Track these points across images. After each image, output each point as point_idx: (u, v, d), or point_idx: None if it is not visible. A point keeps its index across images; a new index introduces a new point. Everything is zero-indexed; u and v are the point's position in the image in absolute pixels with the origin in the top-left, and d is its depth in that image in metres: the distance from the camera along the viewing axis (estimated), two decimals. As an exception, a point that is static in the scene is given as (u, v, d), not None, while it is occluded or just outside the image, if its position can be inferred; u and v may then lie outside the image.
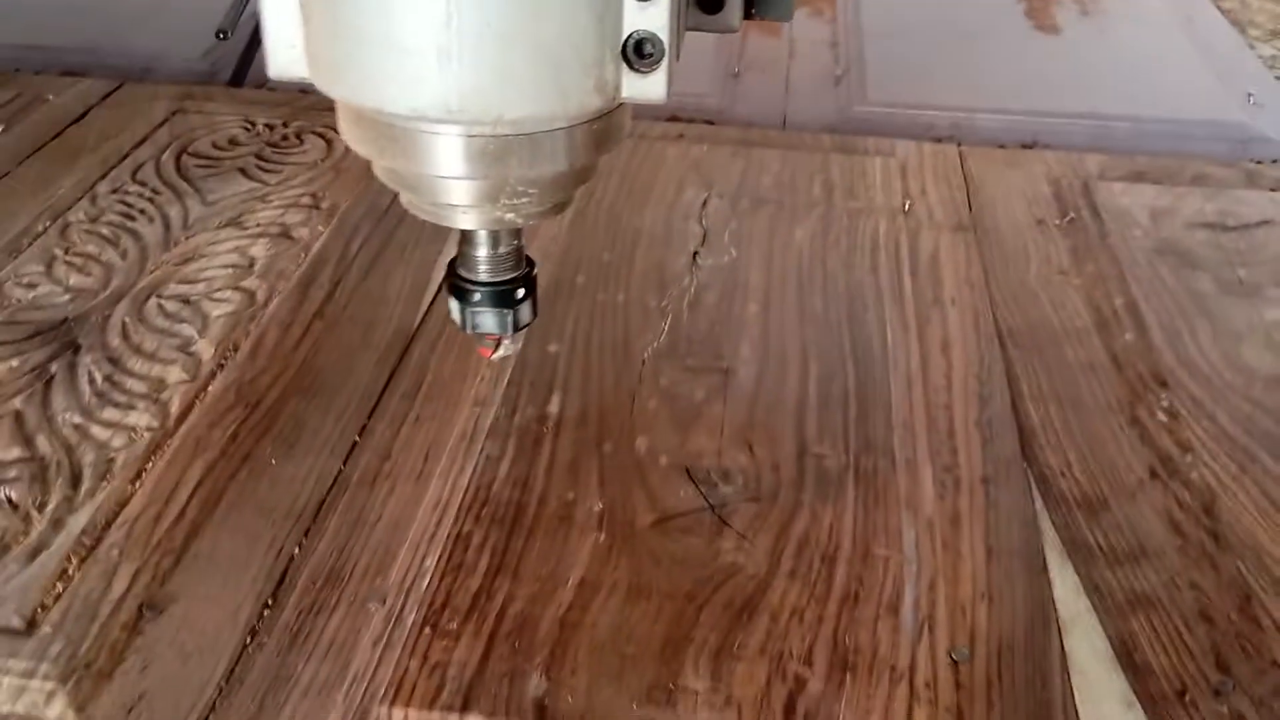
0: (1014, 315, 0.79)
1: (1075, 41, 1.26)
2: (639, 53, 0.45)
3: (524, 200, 0.49)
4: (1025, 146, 1.04)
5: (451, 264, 0.55)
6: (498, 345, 0.56)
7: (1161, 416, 0.70)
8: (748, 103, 1.12)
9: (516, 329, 0.56)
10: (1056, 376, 0.74)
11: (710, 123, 1.06)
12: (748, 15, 0.50)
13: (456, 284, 0.54)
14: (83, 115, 1.00)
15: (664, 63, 0.45)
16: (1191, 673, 0.55)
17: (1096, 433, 0.69)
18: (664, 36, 0.45)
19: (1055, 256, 0.86)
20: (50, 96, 1.03)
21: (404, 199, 0.51)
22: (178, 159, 0.93)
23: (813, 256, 0.84)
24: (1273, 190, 0.94)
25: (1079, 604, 0.58)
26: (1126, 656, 0.56)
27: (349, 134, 0.49)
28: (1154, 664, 0.55)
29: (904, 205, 0.91)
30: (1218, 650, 0.56)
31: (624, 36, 0.45)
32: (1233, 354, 0.75)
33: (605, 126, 0.48)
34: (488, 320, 0.55)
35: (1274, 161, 1.02)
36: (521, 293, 0.55)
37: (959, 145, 1.02)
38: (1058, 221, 0.90)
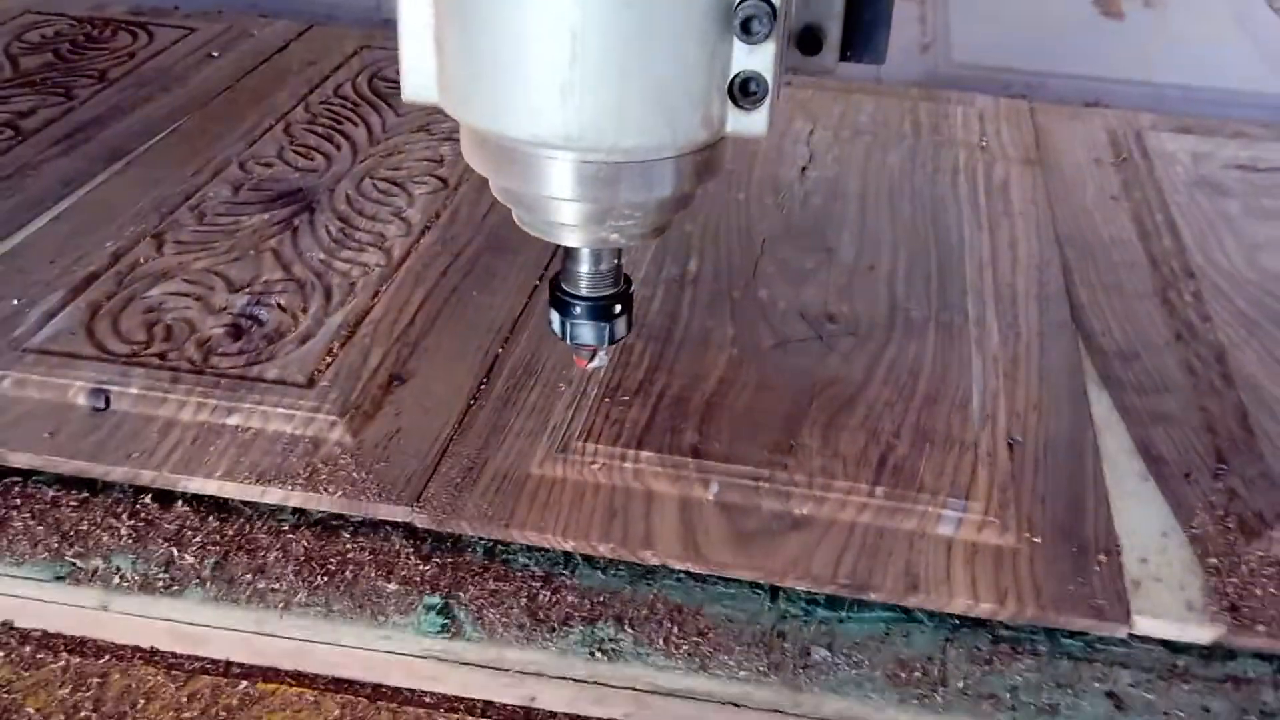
0: (1070, 226, 0.95)
1: (1137, 25, 1.41)
2: (745, 91, 0.49)
3: (629, 222, 0.53)
4: (1088, 105, 1.20)
5: (555, 279, 0.60)
6: (593, 355, 0.61)
7: (1188, 298, 0.86)
8: (844, 66, 1.28)
9: (612, 342, 0.60)
10: (1103, 269, 0.90)
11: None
12: (844, 58, 0.55)
13: (558, 297, 0.59)
14: (284, 47, 1.19)
15: (767, 100, 0.49)
16: (1196, 462, 0.71)
17: (1133, 308, 0.85)
18: (769, 77, 0.48)
19: (1108, 185, 1.02)
20: (254, 32, 1.23)
21: (517, 215, 0.56)
22: (370, 81, 1.12)
23: (902, 174, 1.01)
24: (1302, 144, 1.10)
25: (1110, 417, 0.74)
26: (1145, 450, 0.72)
27: (470, 154, 0.53)
28: (1166, 455, 0.71)
29: (980, 142, 1.08)
30: (1218, 449, 0.72)
31: (731, 76, 0.48)
32: (1252, 258, 0.91)
33: (708, 157, 0.52)
34: (586, 332, 0.59)
35: (1308, 126, 1.17)
36: (619, 308, 0.59)
37: (1030, 101, 1.18)
38: (1112, 160, 1.06)
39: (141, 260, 0.82)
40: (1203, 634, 0.60)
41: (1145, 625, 0.60)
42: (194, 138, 1.00)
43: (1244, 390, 0.76)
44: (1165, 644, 0.61)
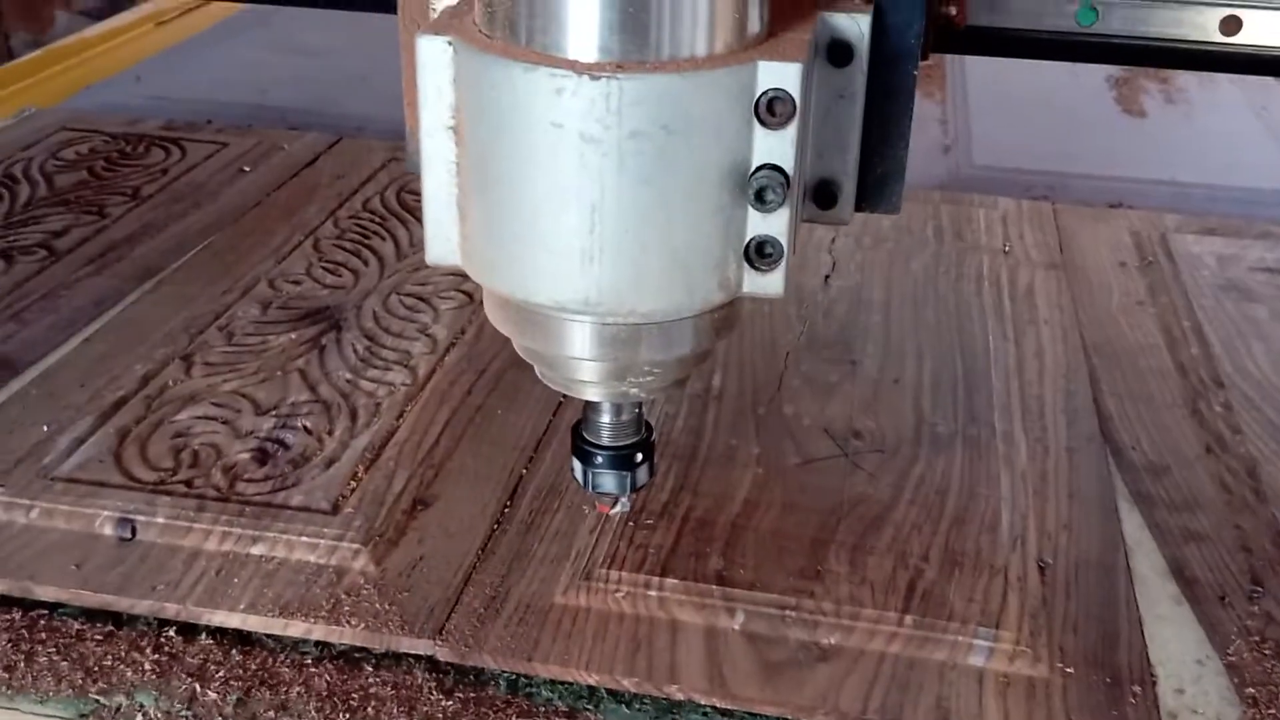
0: (1096, 333, 0.95)
1: (1159, 122, 1.42)
2: (760, 254, 0.50)
3: (649, 378, 0.55)
4: (1111, 206, 1.20)
5: (576, 426, 0.62)
6: (615, 502, 0.64)
7: (1218, 408, 0.85)
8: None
9: (634, 489, 0.62)
10: (1131, 378, 0.89)
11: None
12: (859, 209, 0.57)
13: (580, 446, 0.61)
14: (313, 160, 1.21)
15: (783, 262, 0.50)
16: (1230, 584, 0.70)
17: (1162, 419, 0.84)
18: (783, 240, 0.50)
19: (1134, 290, 1.02)
20: (284, 146, 1.25)
21: (539, 371, 0.58)
22: (398, 194, 1.13)
23: (926, 281, 1.01)
24: (1329, 244, 1.09)
25: (1142, 535, 0.73)
26: (1179, 572, 0.71)
27: (494, 315, 0.56)
28: (1200, 577, 0.70)
29: (1004, 247, 1.08)
30: (1253, 570, 0.70)
31: (746, 239, 0.50)
32: (1281, 365, 0.90)
33: (726, 315, 0.54)
34: (608, 481, 0.61)
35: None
36: (640, 456, 0.61)
37: (1053, 203, 1.18)
38: (1137, 264, 1.06)
39: (170, 383, 0.83)
40: (1243, 770, 0.58)
41: (1183, 762, 0.58)
42: (224, 254, 1.02)
43: (1276, 506, 0.75)
44: (1204, 780, 0.59)
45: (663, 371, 0.56)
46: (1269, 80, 1.54)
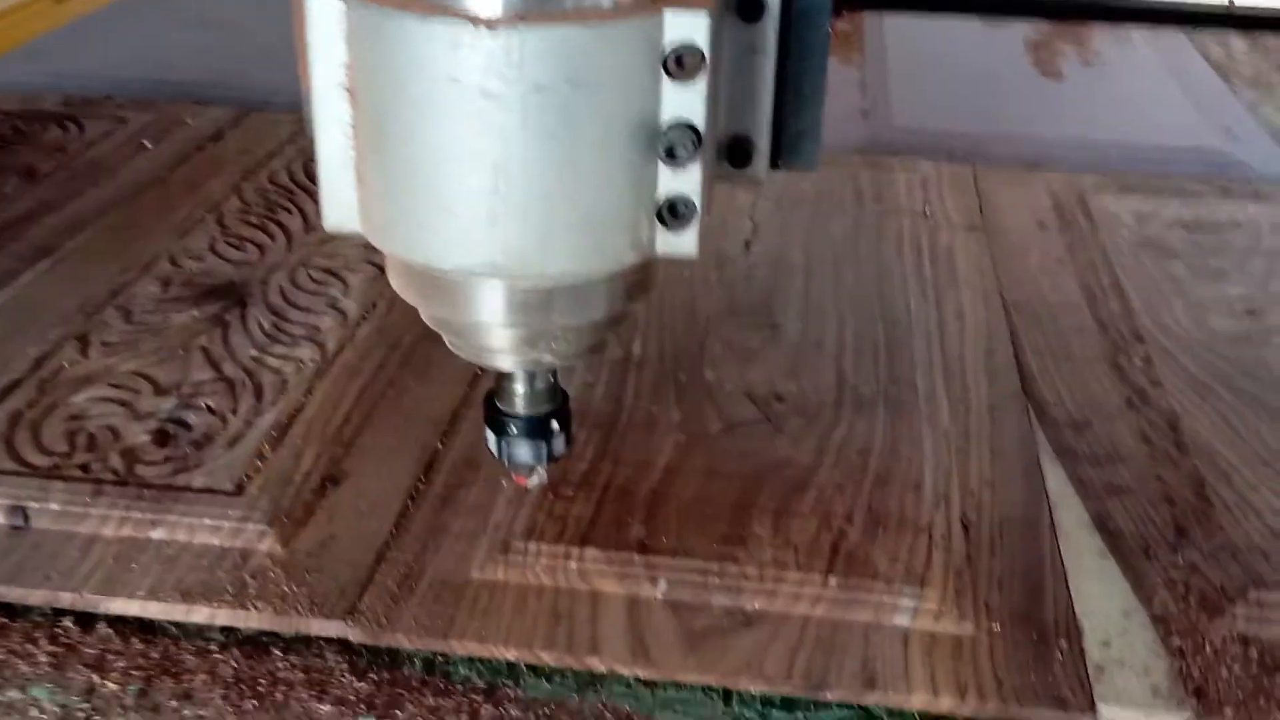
0: (1017, 293, 0.94)
1: (1076, 84, 1.42)
2: (673, 212, 0.49)
3: (562, 344, 0.53)
4: (1030, 168, 1.20)
5: (489, 397, 0.59)
6: (532, 473, 0.61)
7: (1138, 363, 0.85)
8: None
9: (551, 460, 0.60)
10: (1051, 336, 0.89)
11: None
12: (774, 166, 0.55)
13: (494, 417, 0.59)
14: (218, 135, 1.17)
15: (695, 221, 0.49)
16: (1154, 536, 0.69)
17: (1083, 375, 0.84)
18: (696, 199, 0.48)
19: (1053, 250, 1.01)
20: (188, 120, 1.20)
21: (449, 340, 0.56)
22: (305, 167, 1.10)
23: (846, 245, 1.00)
24: (1243, 200, 1.10)
25: (1065, 490, 0.73)
26: (1102, 525, 0.70)
27: (398, 283, 0.53)
28: (1124, 530, 0.70)
29: (924, 209, 1.07)
30: (1176, 521, 0.70)
31: (658, 198, 0.48)
32: (1200, 319, 0.90)
33: (640, 277, 0.53)
34: (523, 452, 0.59)
35: (1247, 182, 1.17)
36: (556, 425, 0.59)
37: (973, 165, 1.17)
38: (1056, 224, 1.06)
39: (65, 365, 0.80)
40: (1170, 721, 0.58)
41: (1110, 715, 0.58)
42: (123, 232, 0.98)
43: (1198, 458, 0.75)
44: (1131, 732, 0.59)
45: (576, 336, 0.54)
46: (1183, 40, 1.56)
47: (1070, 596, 0.64)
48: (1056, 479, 0.74)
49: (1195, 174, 1.17)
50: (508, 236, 0.47)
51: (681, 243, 0.50)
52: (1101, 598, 0.65)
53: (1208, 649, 0.61)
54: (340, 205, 0.51)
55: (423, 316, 0.56)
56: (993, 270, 0.97)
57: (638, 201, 0.48)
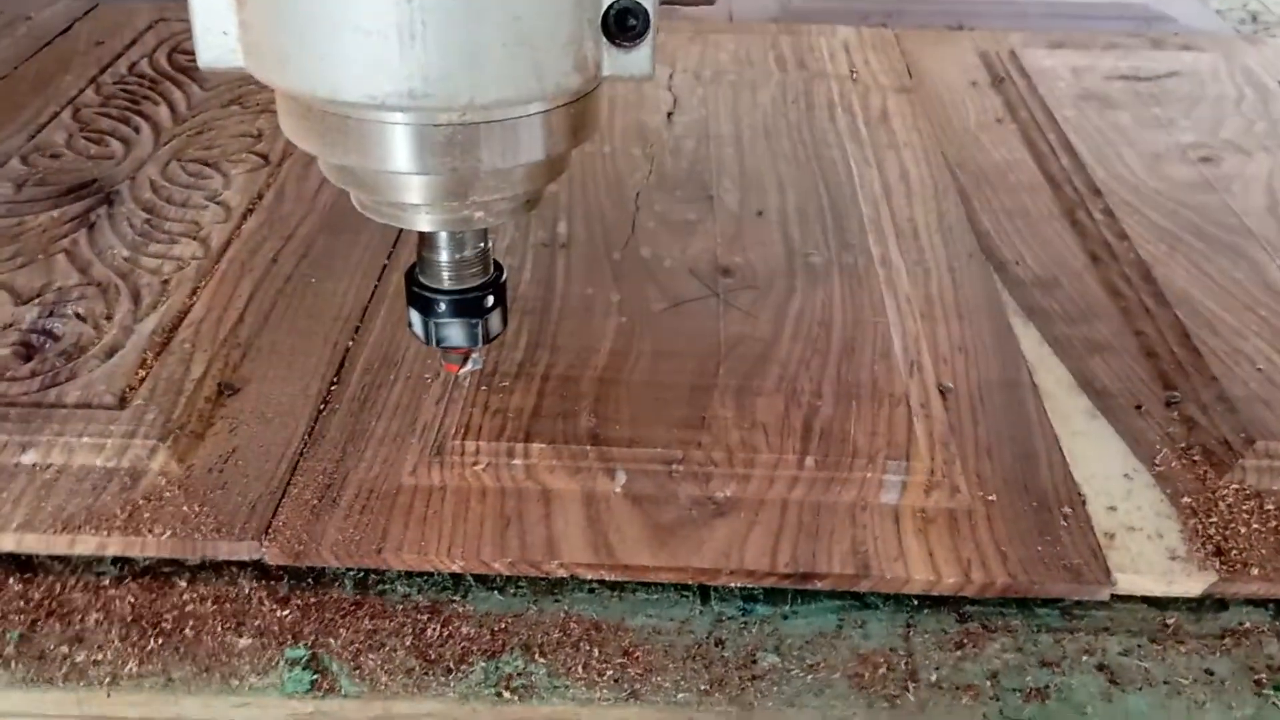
0: (959, 153, 0.88)
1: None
2: (621, 25, 0.41)
3: (494, 196, 0.44)
4: (951, 29, 1.13)
5: (410, 272, 0.50)
6: (465, 359, 0.53)
7: (1098, 216, 0.79)
8: (693, 9, 1.20)
9: (486, 341, 0.52)
10: (1003, 194, 0.83)
11: (664, 17, 1.13)
12: None
13: (417, 294, 0.50)
14: (68, 28, 1.05)
15: (649, 34, 0.41)
16: (1144, 392, 0.64)
17: (1042, 232, 0.78)
18: (649, 6, 0.41)
19: (991, 108, 0.95)
20: (30, 15, 1.07)
21: (356, 199, 0.46)
22: (169, 55, 0.98)
23: (775, 112, 0.92)
24: (1175, 51, 1.05)
25: (1042, 350, 0.67)
26: (1087, 384, 0.65)
27: (290, 128, 0.44)
28: (1111, 388, 0.64)
29: (851, 73, 1.00)
30: (1164, 375, 0.65)
31: (604, 8, 0.41)
32: (1155, 168, 0.85)
33: (583, 110, 0.44)
34: (455, 333, 0.51)
35: (1175, 34, 1.12)
36: (491, 300, 0.51)
37: (893, 29, 1.10)
38: (989, 82, 1.00)
39: (-96, 277, 0.69)
40: (1193, 585, 0.53)
41: (1129, 583, 0.52)
42: (-36, 133, 0.86)
43: (1178, 307, 0.69)
44: (1147, 600, 0.54)
45: (510, 186, 0.45)
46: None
47: (1065, 460, 0.59)
48: (1030, 339, 0.68)
49: (1119, 29, 1.12)
50: (427, 57, 0.38)
51: (633, 62, 0.42)
52: (1098, 460, 0.59)
53: (1221, 506, 0.56)
54: (217, 36, 0.42)
55: (322, 168, 0.46)
56: (930, 130, 0.91)
57: (580, 12, 0.41)
